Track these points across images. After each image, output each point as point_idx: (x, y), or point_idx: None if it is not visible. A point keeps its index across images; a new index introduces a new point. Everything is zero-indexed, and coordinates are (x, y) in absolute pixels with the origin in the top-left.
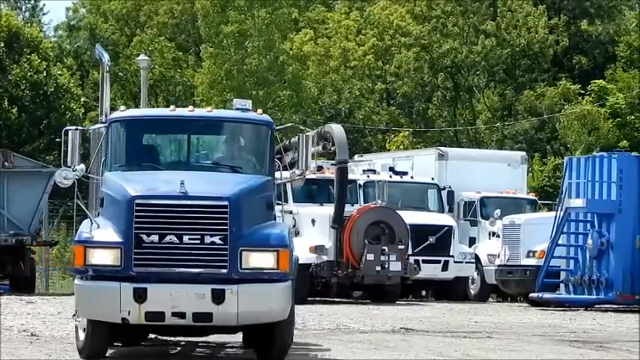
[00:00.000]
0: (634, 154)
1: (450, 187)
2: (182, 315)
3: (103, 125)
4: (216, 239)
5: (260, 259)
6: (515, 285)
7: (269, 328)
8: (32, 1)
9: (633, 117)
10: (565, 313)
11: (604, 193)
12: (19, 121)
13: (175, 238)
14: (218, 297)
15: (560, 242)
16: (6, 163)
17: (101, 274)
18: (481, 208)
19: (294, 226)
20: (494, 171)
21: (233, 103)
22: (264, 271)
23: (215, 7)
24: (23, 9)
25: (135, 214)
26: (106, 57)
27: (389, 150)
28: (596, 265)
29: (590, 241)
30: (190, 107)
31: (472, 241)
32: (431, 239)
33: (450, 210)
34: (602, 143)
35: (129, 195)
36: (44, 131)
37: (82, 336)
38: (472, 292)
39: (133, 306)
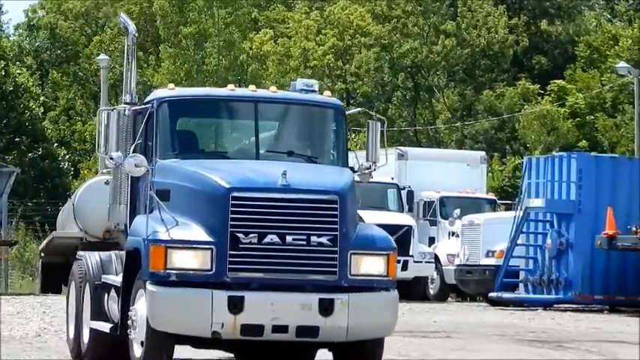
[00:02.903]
0: (593, 154)
1: (409, 186)
2: (284, 329)
3: (143, 106)
4: (324, 240)
5: (371, 265)
6: (474, 285)
7: (364, 347)
8: None
9: (592, 117)
10: (524, 313)
11: (563, 193)
12: None
13: (277, 238)
14: (326, 308)
15: (519, 242)
16: None
17: (187, 279)
18: (441, 207)
19: None
20: (453, 171)
21: (295, 82)
22: (374, 278)
23: (173, 8)
24: None
25: (231, 209)
26: (132, 27)
27: (349, 149)
28: (555, 264)
29: (549, 241)
30: (252, 86)
31: (432, 241)
32: None
33: (410, 210)
34: (561, 143)
35: (222, 187)
36: (3, 130)
37: (137, 351)
38: (431, 291)
39: (227, 317)
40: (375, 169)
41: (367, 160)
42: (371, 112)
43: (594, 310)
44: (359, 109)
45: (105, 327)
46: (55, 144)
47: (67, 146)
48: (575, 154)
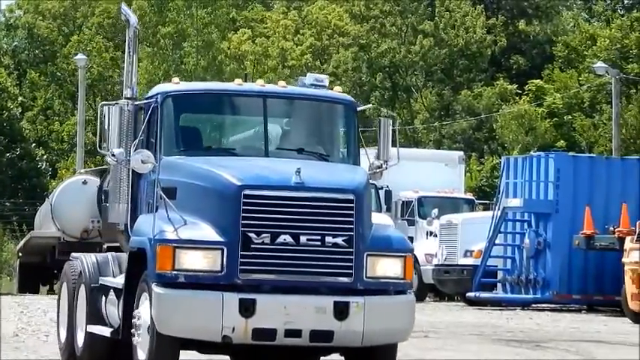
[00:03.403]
0: (571, 154)
1: (387, 186)
2: (297, 333)
3: (146, 101)
4: (340, 240)
5: (387, 266)
6: (452, 284)
7: (377, 352)
8: None
9: (570, 117)
10: (502, 313)
11: (541, 192)
12: None
13: (291, 239)
14: (341, 312)
15: (497, 242)
16: None
17: (196, 281)
18: (419, 207)
19: None
20: (431, 171)
21: (305, 77)
22: (391, 280)
23: (152, 8)
24: None
25: (242, 207)
26: (133, 19)
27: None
28: (533, 264)
29: (527, 241)
30: (260, 81)
31: (410, 241)
32: None
33: (388, 209)
34: (539, 143)
35: (234, 185)
36: None
37: (142, 356)
38: None
39: (238, 321)
40: (386, 168)
41: (378, 158)
42: (383, 109)
43: (572, 309)
44: (370, 105)
45: (105, 331)
46: (33, 144)
47: (44, 146)
48: (552, 154)
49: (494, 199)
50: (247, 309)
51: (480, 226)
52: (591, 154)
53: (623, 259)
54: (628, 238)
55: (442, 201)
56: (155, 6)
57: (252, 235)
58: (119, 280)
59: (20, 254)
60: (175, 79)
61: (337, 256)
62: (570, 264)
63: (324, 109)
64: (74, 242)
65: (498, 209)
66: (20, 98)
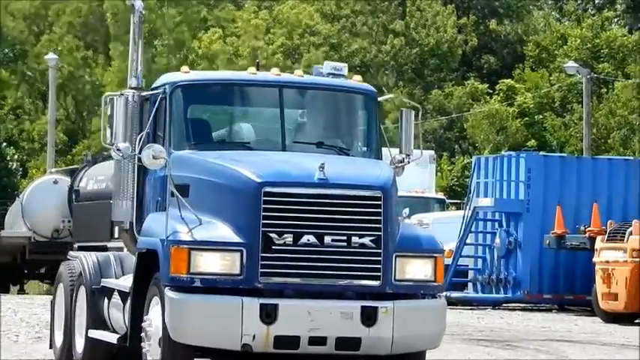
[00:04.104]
0: (542, 153)
1: None
2: (322, 341)
3: (153, 92)
4: (367, 241)
5: (417, 268)
6: None
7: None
8: None
9: (541, 116)
10: (473, 312)
11: (512, 192)
12: None
13: (314, 239)
14: (369, 317)
15: (468, 241)
16: None
17: (213, 285)
18: None
19: None
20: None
21: (322, 66)
22: (421, 283)
23: (125, 6)
24: None
25: (262, 206)
26: (138, 3)
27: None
28: (504, 264)
29: (498, 240)
30: (275, 70)
31: None
32: None
33: None
34: (510, 142)
35: (253, 181)
36: None
37: None
38: None
39: (259, 328)
40: (409, 162)
41: (400, 152)
42: (405, 100)
43: (543, 309)
44: (392, 95)
45: (110, 337)
46: (4, 143)
47: (15, 146)
48: (523, 153)
49: (465, 199)
50: (269, 315)
51: (451, 225)
52: (562, 154)
53: (594, 259)
54: (599, 238)
55: (413, 200)
56: (128, 4)
57: (273, 235)
58: (125, 283)
59: None
60: (185, 68)
61: (364, 258)
62: (541, 263)
63: (344, 100)
64: (45, 242)
65: (469, 209)
66: None
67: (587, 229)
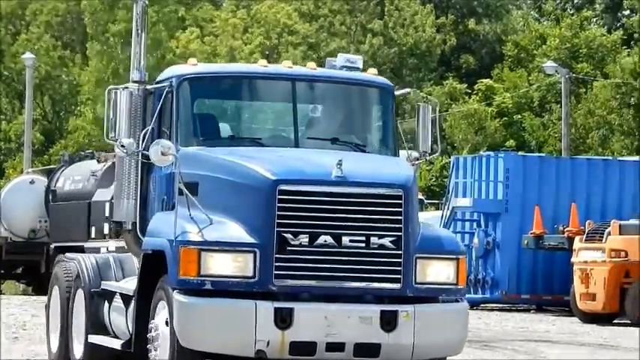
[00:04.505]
0: (520, 153)
1: None
2: (340, 347)
3: (158, 85)
4: (386, 241)
5: (439, 271)
6: None
7: None
8: None
9: (520, 116)
10: None
11: (490, 192)
12: None
13: (332, 240)
14: (388, 322)
15: None
16: None
17: (225, 288)
18: None
19: None
20: None
21: (335, 59)
22: (443, 286)
23: (103, 5)
24: None
25: (277, 205)
26: None
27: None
28: (482, 264)
29: (476, 240)
30: (287, 62)
31: None
32: None
33: None
34: (488, 142)
35: (267, 179)
36: None
37: None
38: None
39: (273, 334)
40: (426, 160)
41: (417, 149)
42: (423, 94)
43: (521, 309)
44: (409, 89)
45: (113, 343)
46: None
47: None
48: (502, 153)
49: (444, 199)
50: (284, 320)
51: None
52: (541, 154)
53: (572, 259)
54: (577, 238)
55: None
56: (106, 4)
57: (288, 235)
58: (128, 286)
59: None
60: (192, 60)
61: (384, 260)
62: (519, 264)
63: (359, 94)
64: (21, 242)
65: (447, 209)
66: None
67: (565, 230)
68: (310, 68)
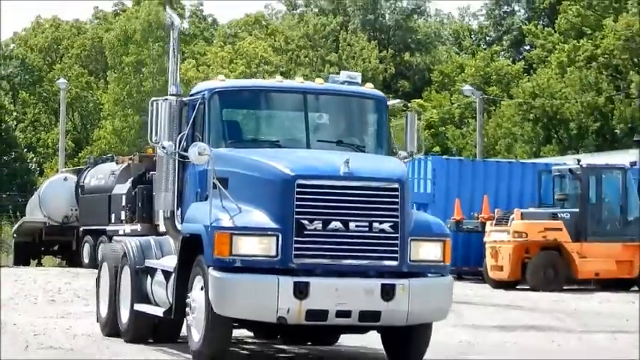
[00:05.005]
0: (444, 157)
1: None
2: (347, 314)
3: (192, 97)
4: (386, 226)
5: (429, 250)
6: None
7: (416, 330)
8: None
9: (444, 128)
10: None
11: (421, 187)
12: None
13: (341, 225)
14: (387, 293)
15: None
16: None
17: (252, 265)
18: None
19: None
20: None
21: (338, 75)
22: (432, 263)
23: (119, 42)
24: None
25: (296, 196)
26: (177, 20)
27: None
28: None
29: None
30: (299, 78)
31: None
32: None
33: None
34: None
35: (288, 175)
36: None
37: (196, 336)
38: None
39: (292, 303)
40: (413, 159)
41: (405, 149)
42: (409, 104)
43: None
44: (399, 100)
45: (156, 311)
46: (25, 149)
47: (33, 151)
48: (430, 157)
49: None
50: (301, 291)
51: None
52: (460, 158)
53: (485, 239)
54: (488, 223)
55: None
56: (121, 40)
57: (305, 222)
58: (169, 263)
59: (15, 235)
60: (221, 77)
61: (384, 241)
62: None
63: (358, 104)
64: (57, 226)
65: None
66: (14, 113)
67: (479, 216)
68: (318, 83)
